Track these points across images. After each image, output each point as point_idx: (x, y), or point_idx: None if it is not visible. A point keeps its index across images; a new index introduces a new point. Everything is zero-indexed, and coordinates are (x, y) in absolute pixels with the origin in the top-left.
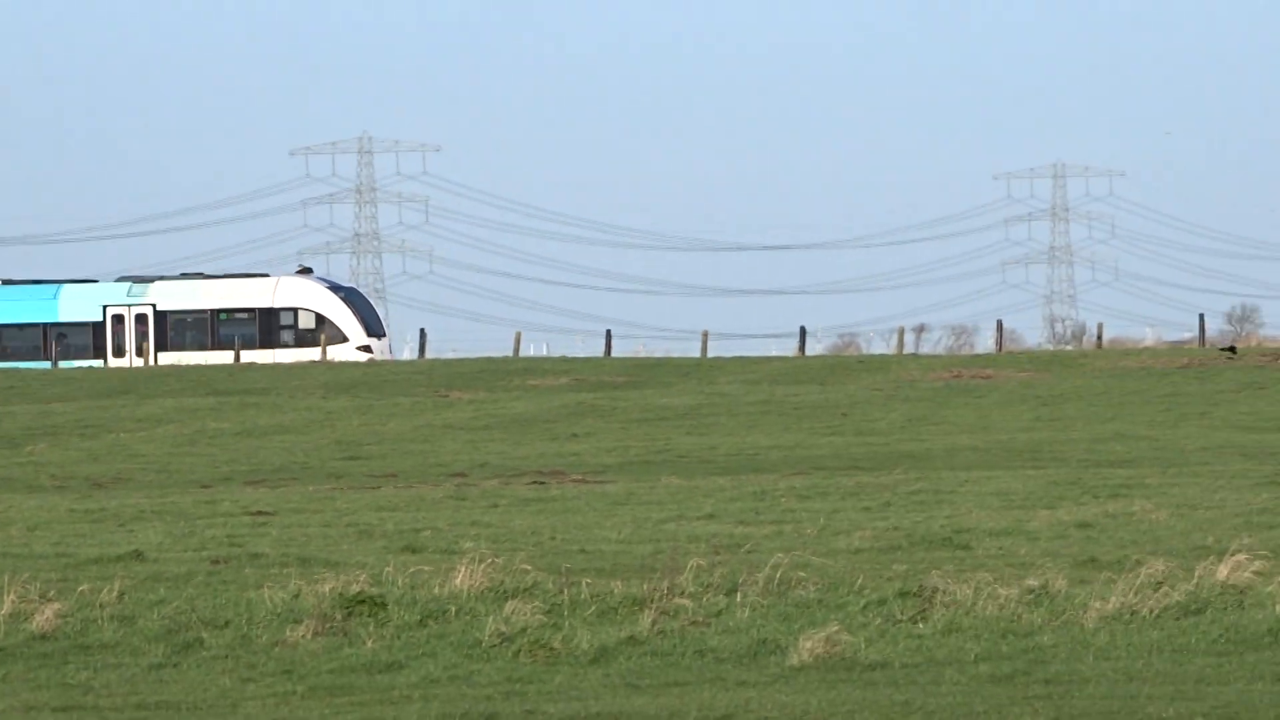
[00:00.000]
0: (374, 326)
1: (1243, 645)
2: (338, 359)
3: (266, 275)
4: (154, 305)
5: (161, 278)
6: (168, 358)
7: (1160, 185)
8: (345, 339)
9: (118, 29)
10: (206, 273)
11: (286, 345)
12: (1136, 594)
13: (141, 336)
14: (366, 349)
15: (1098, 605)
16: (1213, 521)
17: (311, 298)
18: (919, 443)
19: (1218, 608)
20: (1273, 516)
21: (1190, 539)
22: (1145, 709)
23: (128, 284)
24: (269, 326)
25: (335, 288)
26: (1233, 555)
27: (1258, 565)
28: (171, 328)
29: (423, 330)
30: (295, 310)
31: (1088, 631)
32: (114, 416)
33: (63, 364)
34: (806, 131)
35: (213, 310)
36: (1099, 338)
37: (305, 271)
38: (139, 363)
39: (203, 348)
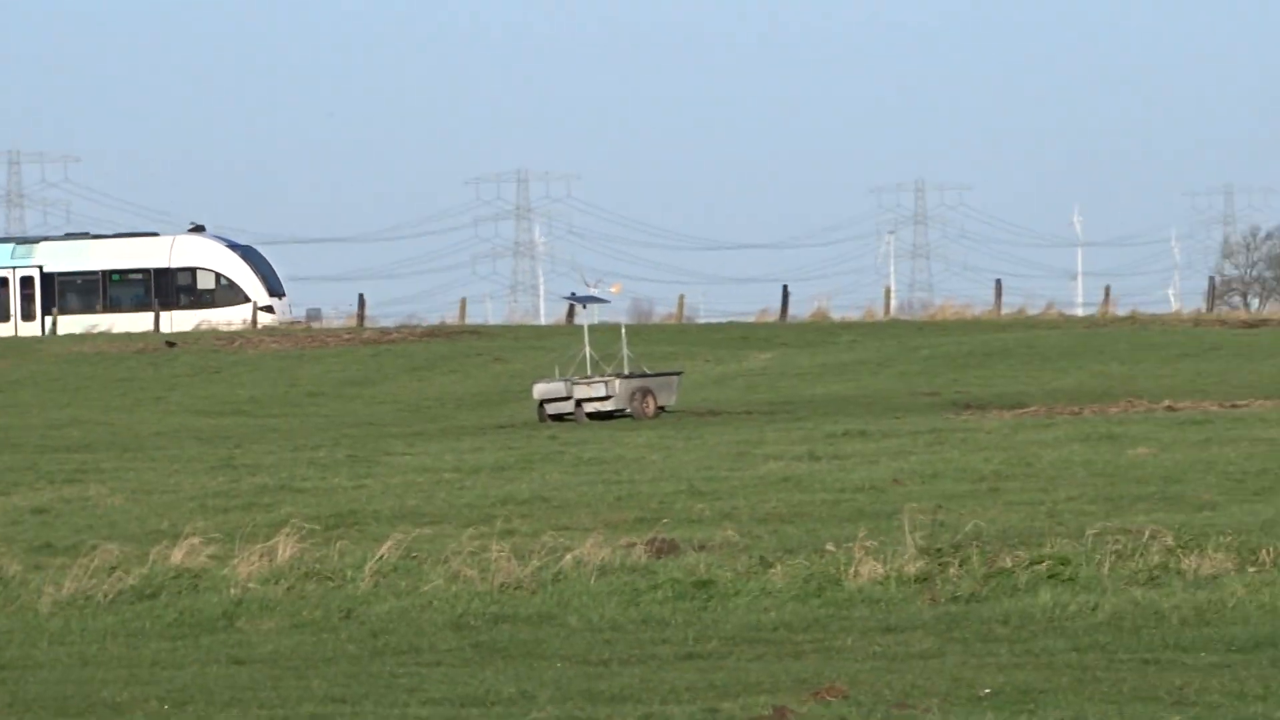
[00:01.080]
0: (275, 286)
1: (197, 628)
2: (237, 321)
3: (157, 234)
4: (40, 267)
5: (47, 238)
6: (58, 322)
7: (611, 186)
8: (247, 299)
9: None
10: (94, 232)
11: (184, 307)
12: (91, 579)
13: (27, 300)
14: (268, 309)
15: (51, 591)
16: (168, 505)
17: (211, 256)
18: None
19: (172, 591)
20: (226, 500)
21: (146, 523)
22: (99, 693)
23: (11, 245)
24: (165, 288)
25: (233, 245)
26: (187, 539)
27: (211, 549)
28: (60, 291)
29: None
30: (193, 270)
31: (42, 617)
32: None
33: None
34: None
35: (104, 271)
36: None
37: (198, 229)
38: (27, 328)
39: (92, 310)
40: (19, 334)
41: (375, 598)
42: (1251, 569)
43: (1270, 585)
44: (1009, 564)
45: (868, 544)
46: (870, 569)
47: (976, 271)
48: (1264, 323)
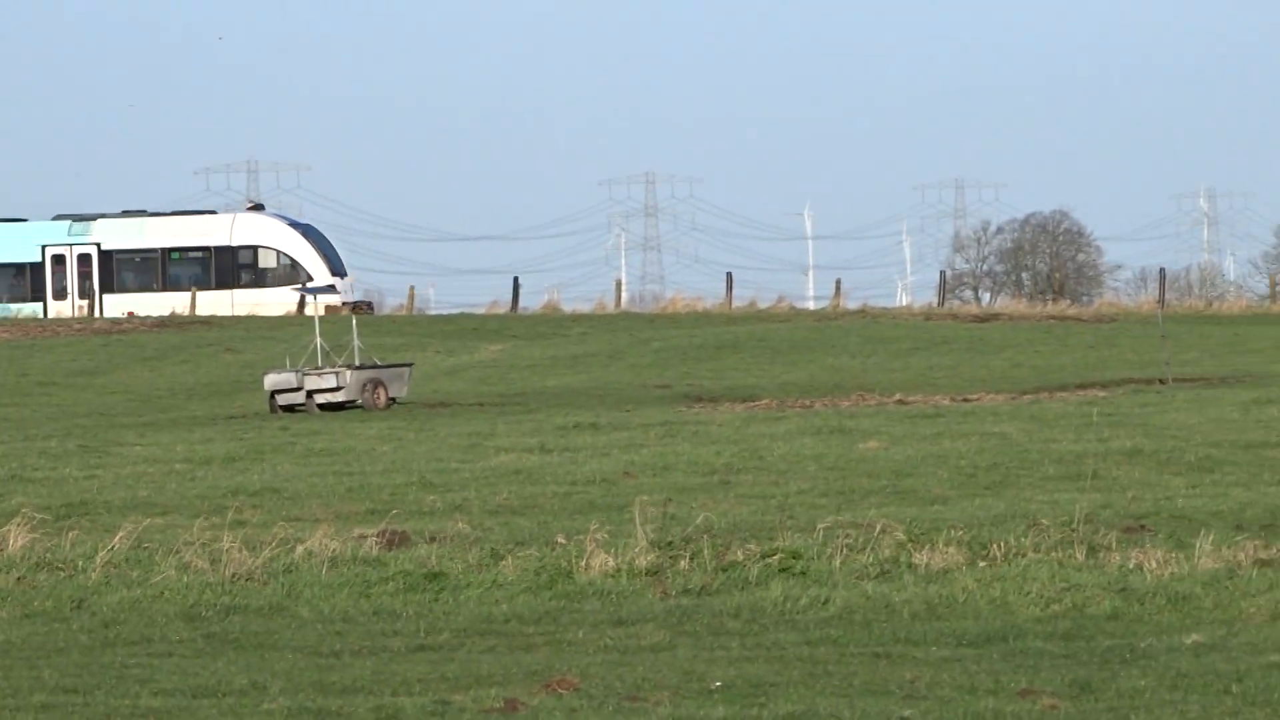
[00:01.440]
0: (336, 265)
1: None
2: (297, 300)
3: (215, 212)
4: (98, 245)
5: (104, 215)
6: (113, 301)
7: (340, 178)
8: (310, 278)
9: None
10: (151, 210)
11: (245, 286)
12: None
13: (84, 278)
14: (331, 289)
15: None
16: None
17: (273, 235)
18: None
19: None
20: None
21: None
22: None
23: (67, 222)
24: (226, 266)
25: (294, 224)
26: None
27: None
28: (118, 269)
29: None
30: (255, 248)
31: None
32: None
33: None
34: None
35: (163, 249)
36: None
37: (257, 208)
38: (85, 307)
39: (151, 289)
40: (75, 312)
41: (106, 588)
42: (982, 563)
43: (1000, 580)
44: (740, 557)
45: (599, 536)
46: (601, 562)
47: (708, 264)
48: (995, 317)
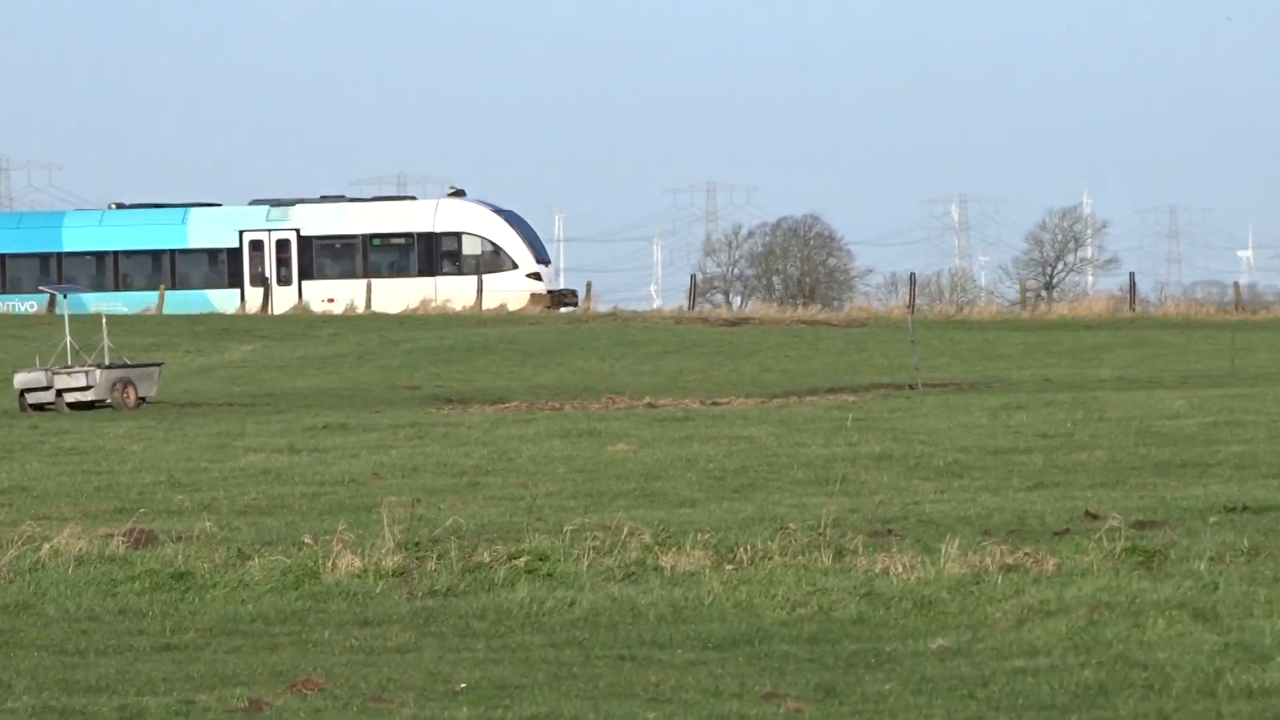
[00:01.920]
0: (541, 253)
1: None
2: (504, 288)
3: (414, 198)
4: (297, 230)
5: (303, 200)
6: (312, 287)
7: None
8: (515, 266)
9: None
10: (350, 196)
11: (448, 273)
12: None
13: (283, 264)
14: (536, 276)
15: None
16: None
17: (478, 221)
18: None
19: None
20: None
21: None
22: None
23: (265, 207)
24: (429, 253)
25: (498, 210)
26: None
27: None
28: (318, 255)
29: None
30: (459, 235)
31: None
32: None
33: (192, 293)
34: None
35: (364, 236)
36: None
37: (458, 193)
38: (281, 293)
39: (351, 276)
40: (274, 299)
41: None
42: (729, 566)
43: (747, 583)
44: (487, 559)
45: (346, 537)
46: (348, 563)
47: None
48: (745, 321)
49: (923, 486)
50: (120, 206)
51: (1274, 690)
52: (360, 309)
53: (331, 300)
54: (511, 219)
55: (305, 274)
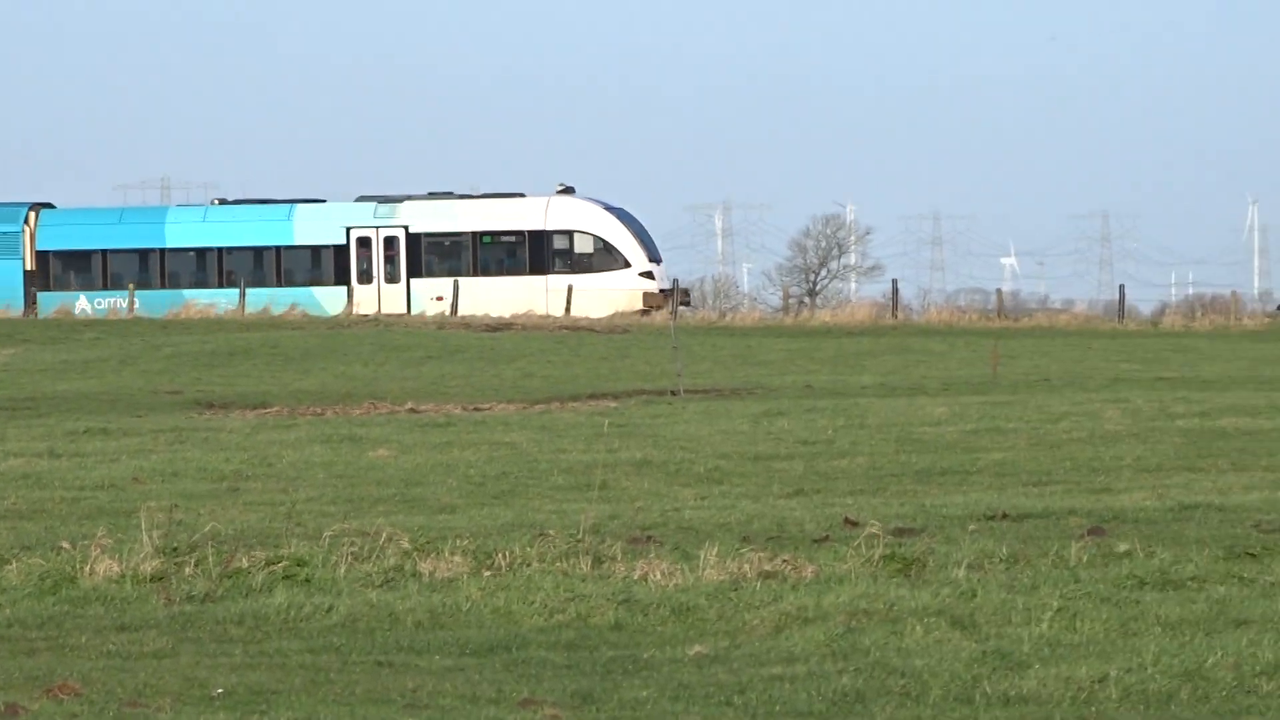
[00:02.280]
0: (653, 251)
1: None
2: (616, 287)
3: (523, 195)
4: (406, 227)
5: (410, 197)
6: (421, 285)
7: None
8: (627, 264)
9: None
10: (457, 192)
11: (559, 271)
12: None
13: (391, 261)
14: (648, 275)
15: None
16: None
17: (590, 219)
18: None
19: None
20: None
21: None
22: None
23: (372, 204)
24: (539, 251)
25: (609, 207)
26: None
27: None
28: (427, 252)
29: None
30: (570, 233)
31: None
32: None
33: (297, 290)
34: None
35: (473, 233)
36: None
37: (568, 190)
38: (389, 291)
39: (459, 274)
40: (382, 296)
41: None
42: (487, 572)
43: (505, 589)
44: (245, 564)
45: (105, 542)
46: (106, 567)
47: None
48: (508, 326)
49: (683, 493)
50: (222, 202)
51: (1030, 698)
52: (470, 307)
53: (440, 298)
54: (623, 216)
55: (413, 271)
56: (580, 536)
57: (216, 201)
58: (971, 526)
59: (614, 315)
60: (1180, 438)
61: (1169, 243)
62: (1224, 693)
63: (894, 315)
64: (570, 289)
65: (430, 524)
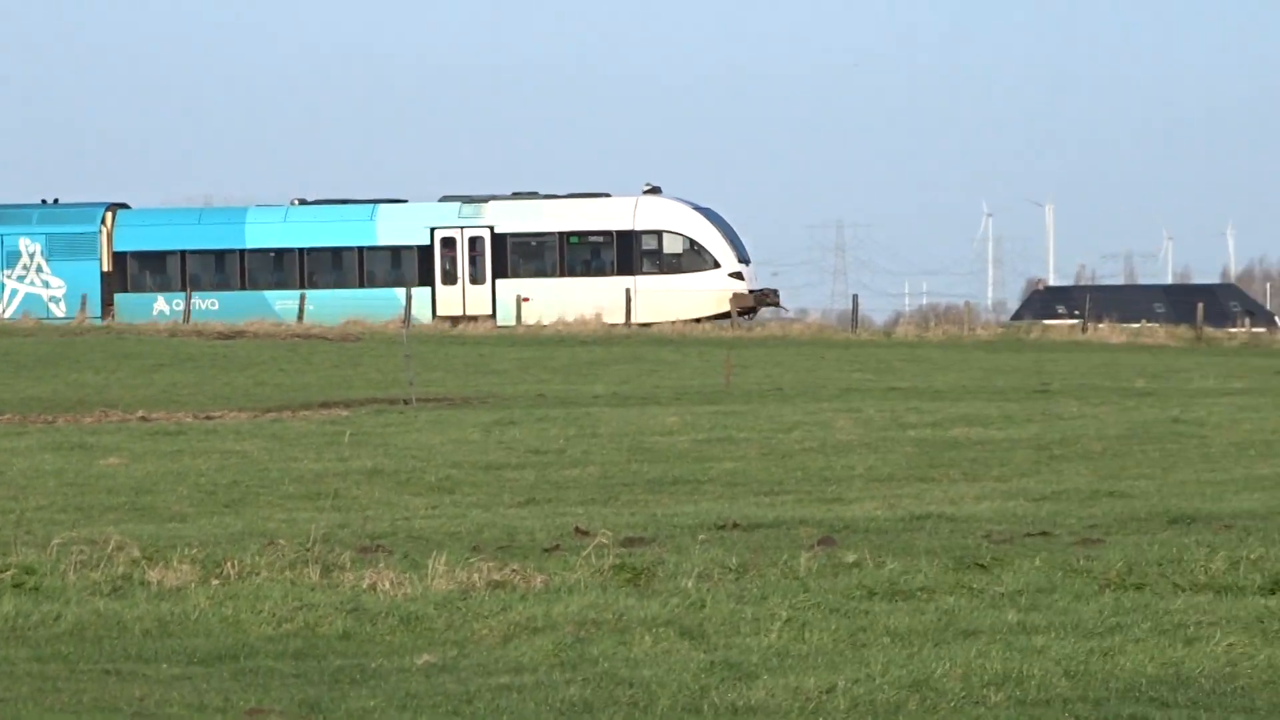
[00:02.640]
0: (742, 252)
1: None
2: (705, 288)
3: (609, 195)
4: (491, 227)
5: (495, 197)
6: (506, 286)
7: None
8: (717, 265)
9: None
10: (541, 192)
11: (647, 272)
12: None
13: (475, 262)
14: (738, 276)
15: None
16: None
17: (679, 219)
18: None
19: None
20: None
21: None
22: None
23: (457, 204)
24: (627, 251)
25: (698, 208)
26: None
27: None
28: (512, 252)
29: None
30: (659, 233)
31: None
32: None
33: (379, 292)
34: None
35: (561, 233)
36: None
37: (654, 190)
38: (475, 291)
39: (545, 274)
40: (466, 297)
41: None
42: (215, 581)
43: (233, 598)
44: None
45: None
46: None
47: None
48: (240, 334)
49: (414, 502)
50: (302, 202)
51: (759, 708)
52: (556, 310)
53: (527, 299)
54: (711, 216)
55: (499, 272)
56: (310, 545)
57: (296, 201)
58: (702, 536)
59: (703, 317)
60: (912, 447)
61: (904, 253)
62: (952, 703)
63: (627, 324)
64: (656, 291)
65: (160, 532)
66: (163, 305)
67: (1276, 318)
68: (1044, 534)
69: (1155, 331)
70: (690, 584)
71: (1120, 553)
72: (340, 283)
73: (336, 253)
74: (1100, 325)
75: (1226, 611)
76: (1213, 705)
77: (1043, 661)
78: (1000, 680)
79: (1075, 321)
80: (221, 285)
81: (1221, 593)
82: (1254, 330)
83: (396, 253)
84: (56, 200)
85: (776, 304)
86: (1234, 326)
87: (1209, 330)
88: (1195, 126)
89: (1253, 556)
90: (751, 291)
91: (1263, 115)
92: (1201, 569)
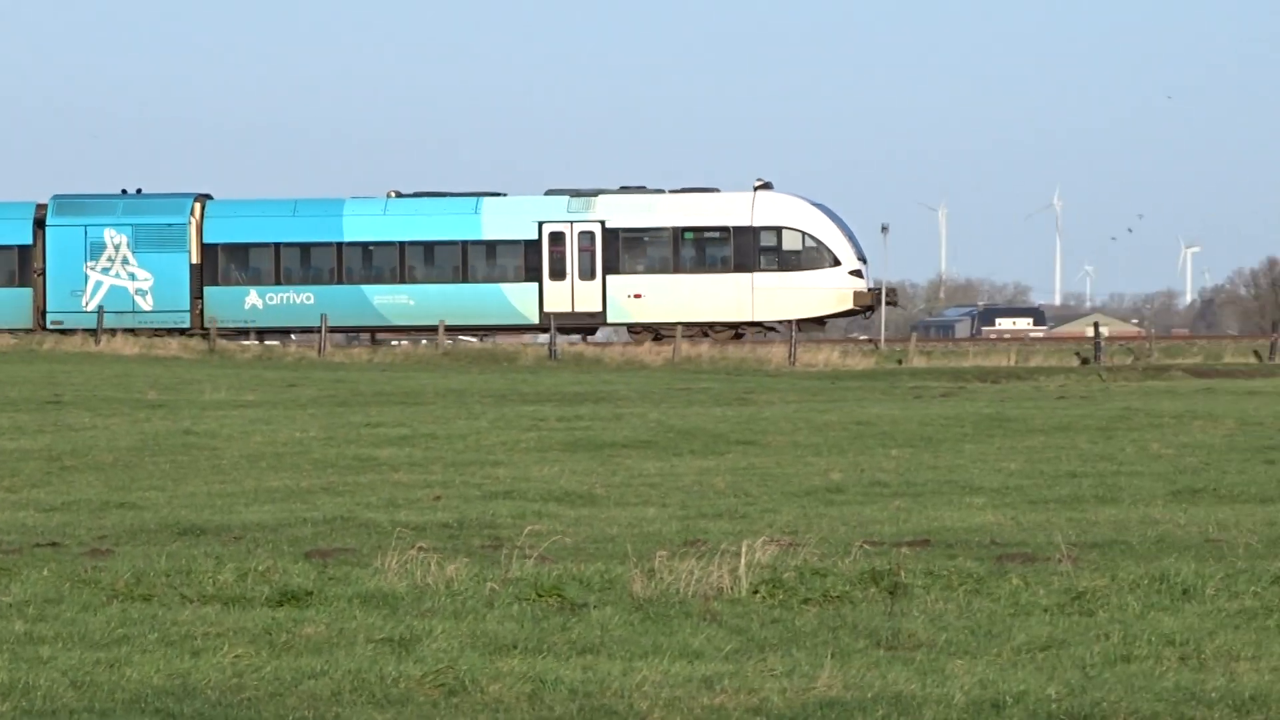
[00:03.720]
0: (860, 250)
1: None
2: (823, 286)
3: (718, 190)
4: (602, 222)
5: (604, 191)
6: (617, 282)
7: None
8: (837, 263)
9: None
10: (650, 186)
11: (765, 269)
12: None
13: (585, 256)
14: (857, 274)
15: None
16: None
17: (798, 215)
18: None
19: None
20: None
21: None
22: None
23: (565, 197)
24: (746, 248)
25: (815, 204)
26: None
27: None
28: (624, 248)
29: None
30: (778, 229)
31: None
32: None
33: (483, 287)
34: None
35: (675, 229)
36: None
37: (766, 186)
38: (584, 287)
39: (658, 271)
40: (575, 294)
41: None
42: None
43: None
44: None
45: None
46: None
47: None
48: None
49: None
50: (399, 195)
51: None
52: (669, 309)
53: (639, 295)
54: (828, 212)
55: (609, 268)
56: None
57: (393, 194)
58: None
59: (823, 316)
60: None
61: None
62: None
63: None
64: (776, 288)
65: None
66: (255, 299)
67: None
68: (54, 544)
69: (169, 344)
70: None
71: (129, 563)
72: (439, 278)
73: (438, 247)
74: (114, 338)
75: (234, 623)
76: (219, 717)
77: (49, 672)
78: (7, 691)
79: (88, 333)
80: (316, 279)
81: (230, 604)
82: (268, 344)
83: (500, 247)
84: (140, 190)
85: (895, 303)
86: None
87: (222, 344)
88: None
89: (261, 568)
90: (871, 289)
91: None
92: (210, 580)
